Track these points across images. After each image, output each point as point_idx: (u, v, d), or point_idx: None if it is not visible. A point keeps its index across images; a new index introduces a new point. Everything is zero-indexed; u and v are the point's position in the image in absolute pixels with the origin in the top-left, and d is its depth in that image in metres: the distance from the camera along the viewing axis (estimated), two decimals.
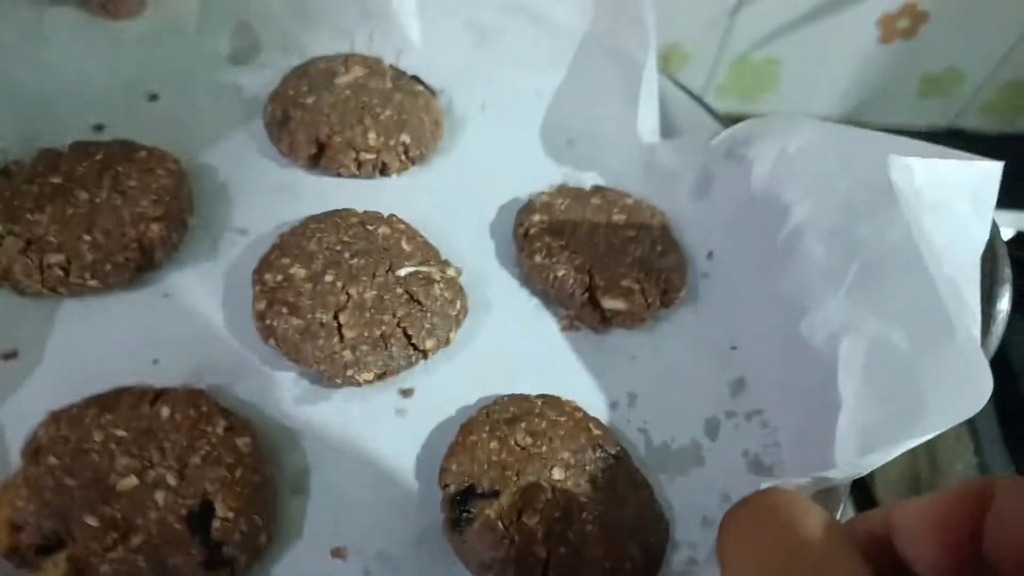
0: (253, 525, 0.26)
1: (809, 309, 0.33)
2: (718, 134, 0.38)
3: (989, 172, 0.30)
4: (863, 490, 0.50)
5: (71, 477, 0.25)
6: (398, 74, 0.40)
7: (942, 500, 0.20)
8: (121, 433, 0.26)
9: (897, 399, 0.28)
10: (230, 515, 0.25)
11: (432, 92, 0.40)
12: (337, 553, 0.27)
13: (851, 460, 0.27)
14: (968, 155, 0.30)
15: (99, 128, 0.36)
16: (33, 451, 0.26)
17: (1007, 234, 0.54)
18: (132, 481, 0.25)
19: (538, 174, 0.40)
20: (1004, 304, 0.33)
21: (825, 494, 0.28)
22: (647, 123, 0.39)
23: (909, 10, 0.63)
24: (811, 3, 0.61)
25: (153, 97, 0.38)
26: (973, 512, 0.19)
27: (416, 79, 0.40)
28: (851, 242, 0.32)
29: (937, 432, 0.26)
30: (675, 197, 0.39)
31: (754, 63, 0.66)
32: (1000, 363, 0.55)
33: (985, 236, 0.30)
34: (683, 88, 0.42)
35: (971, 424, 0.52)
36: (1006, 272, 0.33)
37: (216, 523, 0.25)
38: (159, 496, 0.25)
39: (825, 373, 0.31)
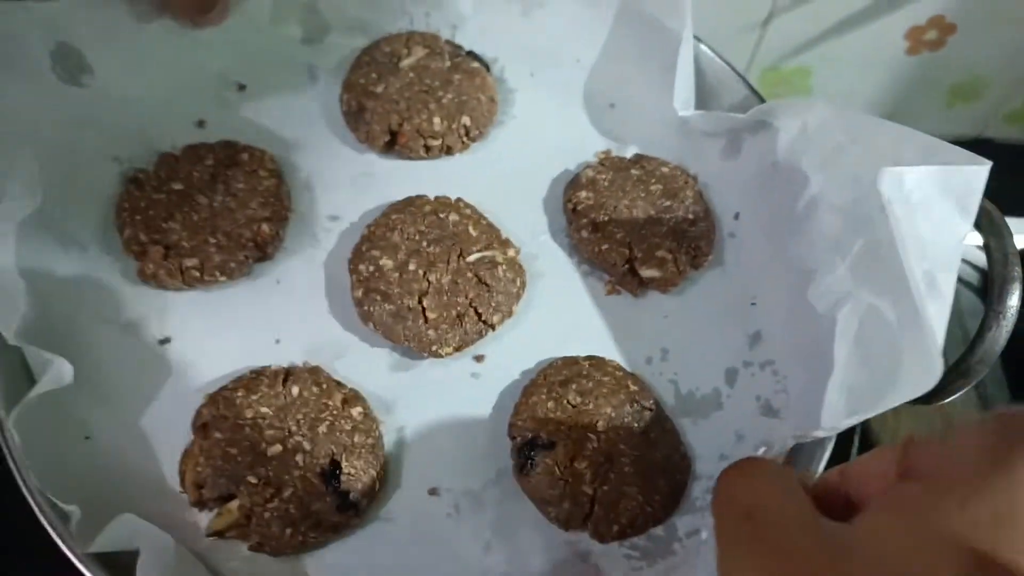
0: (369, 476, 0.34)
1: (817, 275, 0.39)
2: (749, 105, 0.42)
3: (975, 174, 0.34)
4: None
5: (233, 447, 0.33)
6: (455, 50, 0.44)
7: (878, 453, 0.26)
8: (265, 410, 0.34)
9: (878, 367, 0.34)
10: (352, 471, 0.34)
11: (486, 66, 0.44)
12: (433, 492, 0.35)
13: (837, 419, 0.34)
14: (963, 153, 0.34)
15: (201, 124, 0.42)
16: (201, 426, 0.34)
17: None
18: (278, 448, 0.33)
19: (584, 141, 0.44)
20: (1014, 300, 0.36)
21: (813, 444, 0.35)
22: (682, 94, 0.43)
23: (936, 22, 0.63)
24: (841, 14, 0.62)
25: (241, 87, 0.43)
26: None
27: (471, 54, 0.44)
28: (858, 218, 0.37)
29: (898, 404, 0.32)
30: (707, 160, 0.44)
31: (785, 72, 0.67)
32: (1017, 355, 0.58)
33: (967, 230, 0.34)
34: (724, 61, 0.45)
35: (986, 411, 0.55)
36: (1016, 271, 0.36)
37: (343, 477, 0.33)
38: (299, 458, 0.33)
39: (825, 334, 0.37)
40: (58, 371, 0.32)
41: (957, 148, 0.35)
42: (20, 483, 0.30)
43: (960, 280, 0.59)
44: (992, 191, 0.74)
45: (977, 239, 0.65)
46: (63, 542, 0.30)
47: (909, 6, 0.62)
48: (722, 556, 0.25)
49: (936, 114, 0.73)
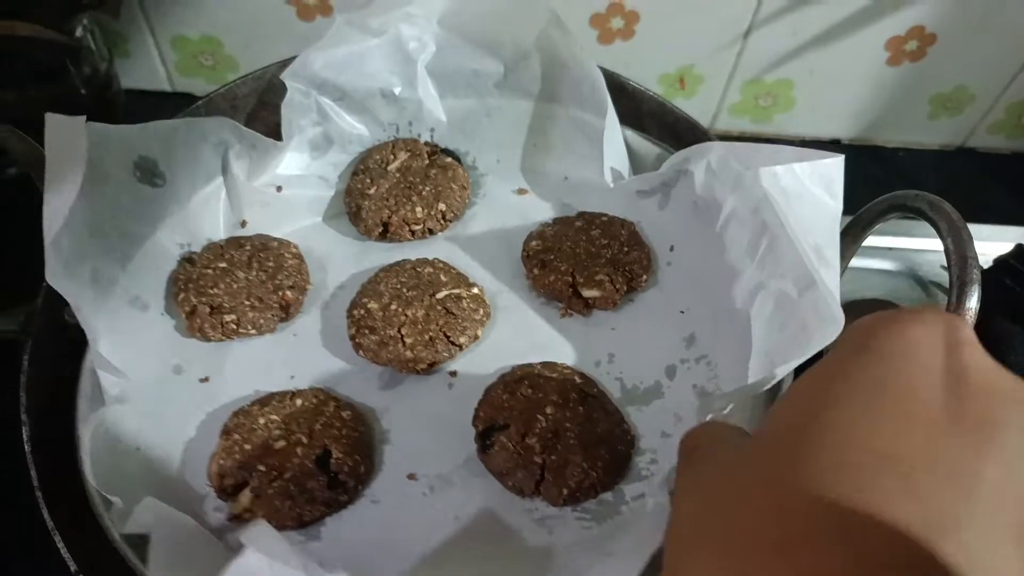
0: (356, 461, 0.41)
1: (738, 276, 0.45)
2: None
3: (834, 165, 0.41)
4: None
5: (248, 444, 0.42)
6: (433, 149, 0.56)
7: None
8: (274, 417, 0.43)
9: (788, 329, 0.40)
10: (341, 456, 0.41)
11: (458, 159, 0.56)
12: (411, 476, 0.42)
13: (761, 376, 0.39)
14: (822, 153, 0.42)
15: (244, 224, 0.54)
16: (225, 432, 0.43)
17: (1007, 248, 0.58)
18: (282, 443, 0.42)
19: (542, 209, 0.54)
20: (973, 302, 0.39)
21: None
22: (613, 168, 0.53)
23: (916, 32, 0.66)
24: (821, 26, 0.65)
25: (279, 188, 0.55)
26: None
27: (446, 151, 0.56)
28: (759, 224, 0.44)
29: (811, 354, 0.37)
30: (644, 210, 0.52)
31: (767, 84, 0.71)
32: None
33: (838, 210, 0.41)
34: (647, 138, 0.55)
35: None
36: (975, 274, 0.39)
37: (332, 462, 0.41)
38: (298, 450, 0.41)
39: (745, 323, 0.43)
40: (123, 391, 0.42)
41: (818, 151, 0.43)
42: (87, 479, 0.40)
43: (939, 287, 0.63)
44: (977, 200, 0.77)
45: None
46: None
47: (889, 17, 0.64)
48: (676, 489, 0.28)
49: (919, 125, 0.75)
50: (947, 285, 0.61)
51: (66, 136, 0.43)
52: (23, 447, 0.40)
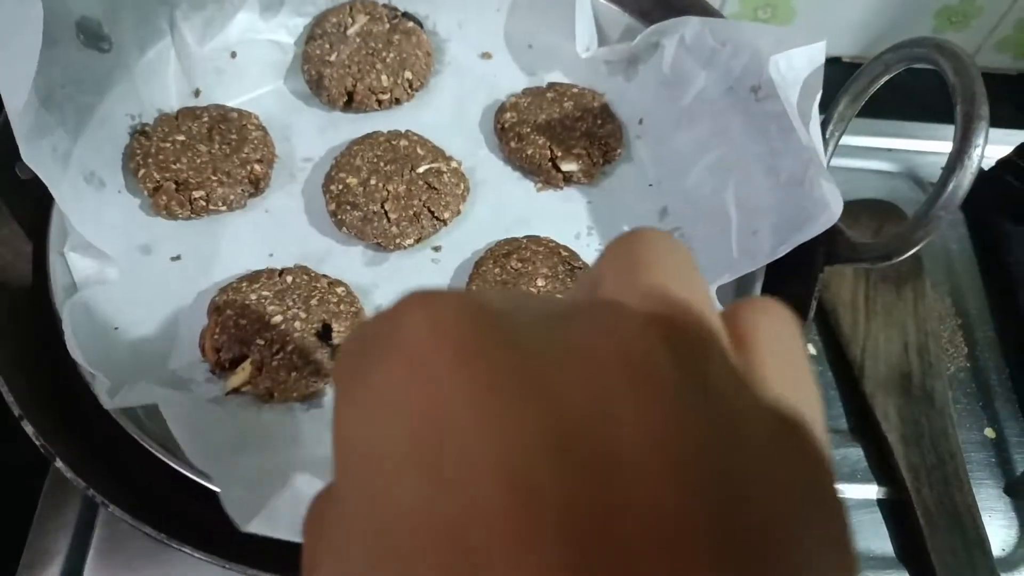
0: None
1: (709, 149, 0.47)
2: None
3: (816, 50, 0.43)
4: (853, 386, 0.51)
5: (243, 319, 0.41)
6: (392, 13, 0.53)
7: None
8: (266, 293, 0.42)
9: (787, 208, 0.42)
10: (341, 330, 0.42)
11: (420, 24, 0.53)
12: None
13: (762, 256, 0.42)
14: (803, 36, 0.43)
15: (197, 93, 0.50)
16: (215, 308, 0.42)
17: (1006, 149, 0.58)
18: (279, 318, 0.41)
19: (509, 76, 0.53)
20: (980, 139, 0.37)
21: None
22: (583, 39, 0.52)
23: None
24: None
25: (233, 55, 0.51)
26: None
27: (406, 15, 0.53)
28: (735, 100, 0.46)
29: (813, 235, 0.40)
30: (613, 83, 0.53)
31: None
32: (1000, 274, 0.58)
33: (819, 89, 0.43)
34: (618, 6, 0.54)
35: (967, 330, 0.55)
36: (983, 110, 0.37)
37: (334, 335, 0.41)
38: (297, 324, 0.41)
39: (720, 196, 0.46)
40: (103, 273, 0.40)
41: (797, 34, 0.44)
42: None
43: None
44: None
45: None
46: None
47: None
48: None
49: None
50: None
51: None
52: None
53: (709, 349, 0.14)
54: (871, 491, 0.48)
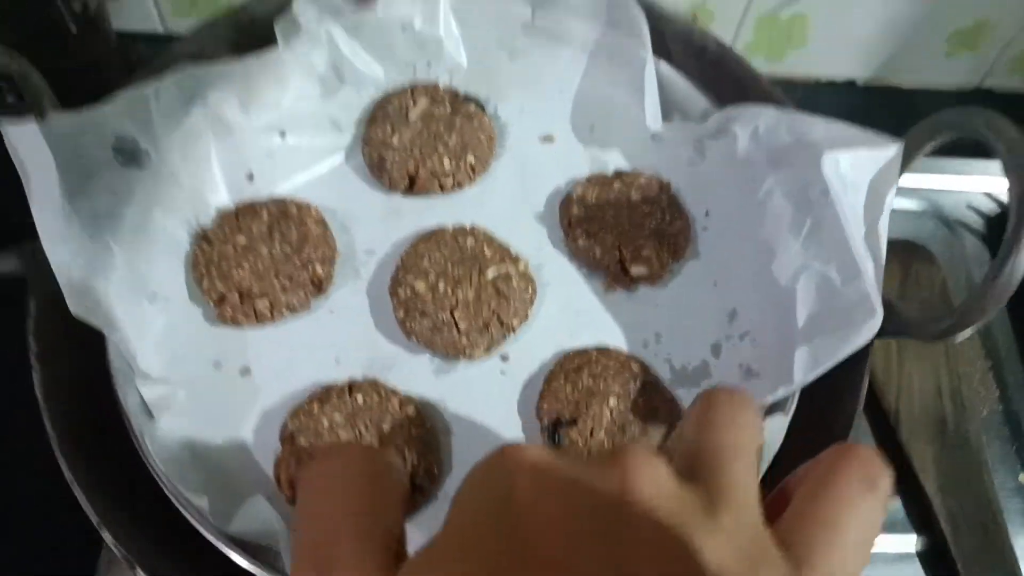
0: (430, 463, 0.42)
1: (777, 252, 0.46)
2: (709, 114, 0.50)
3: (893, 155, 0.41)
4: (889, 435, 0.52)
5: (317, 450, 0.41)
6: (454, 96, 0.52)
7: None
8: (338, 417, 0.42)
9: (832, 323, 0.42)
10: (416, 461, 0.41)
11: (482, 107, 0.52)
12: None
13: (804, 373, 0.41)
14: (880, 138, 0.42)
15: (251, 177, 0.49)
16: (288, 436, 0.42)
17: None
18: None
19: (571, 160, 0.52)
20: None
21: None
22: (652, 111, 0.51)
23: None
24: None
25: (283, 134, 0.50)
26: None
27: (468, 98, 0.52)
28: (805, 202, 0.45)
29: (852, 351, 0.40)
30: (677, 166, 0.51)
31: (781, 20, 0.68)
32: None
33: (891, 201, 0.42)
34: (682, 73, 0.52)
35: (997, 371, 0.56)
36: None
37: (409, 466, 0.41)
38: None
39: (788, 303, 0.45)
40: (175, 397, 0.40)
41: (875, 134, 0.42)
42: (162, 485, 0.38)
43: (966, 227, 0.63)
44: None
45: (984, 186, 0.68)
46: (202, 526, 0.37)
47: None
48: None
49: (936, 64, 0.73)
50: (972, 224, 0.62)
51: (30, 143, 0.38)
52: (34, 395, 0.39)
53: None
54: (910, 542, 0.50)
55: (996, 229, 0.62)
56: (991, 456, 0.52)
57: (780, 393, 0.42)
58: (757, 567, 0.19)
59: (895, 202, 0.60)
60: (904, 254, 0.59)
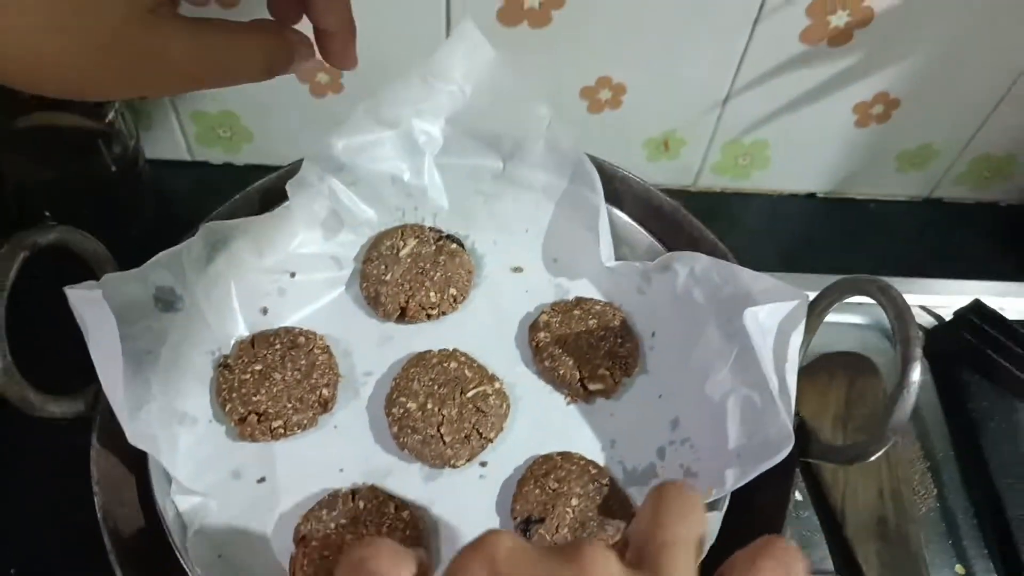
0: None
1: (710, 374, 0.55)
2: (656, 252, 0.60)
3: (799, 306, 0.51)
4: (835, 531, 0.58)
5: (326, 550, 0.49)
6: (438, 236, 0.61)
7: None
8: (343, 521, 0.50)
9: (755, 439, 0.50)
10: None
11: (461, 245, 0.61)
12: None
13: (735, 480, 0.50)
14: (793, 291, 0.51)
15: (265, 311, 0.58)
16: (301, 539, 0.49)
17: (963, 301, 0.67)
18: None
19: (539, 288, 0.61)
20: (916, 376, 0.44)
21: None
22: (606, 249, 0.60)
23: (881, 97, 0.72)
24: (793, 92, 0.71)
25: (292, 274, 0.59)
26: None
27: (450, 237, 0.61)
28: (732, 333, 0.53)
29: (771, 466, 0.48)
30: (628, 294, 0.61)
31: (745, 145, 0.77)
32: (963, 419, 0.65)
33: (799, 341, 0.51)
34: (629, 218, 0.62)
35: (935, 472, 0.63)
36: (917, 351, 0.44)
37: None
38: None
39: (720, 416, 0.53)
40: (206, 507, 0.47)
41: (789, 288, 0.51)
42: None
43: None
44: (944, 247, 0.83)
45: (921, 300, 0.76)
46: None
47: (855, 84, 0.70)
48: None
49: (888, 178, 0.81)
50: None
51: (90, 305, 0.46)
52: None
53: None
54: None
55: (932, 341, 0.69)
56: (929, 551, 0.58)
57: (714, 495, 0.51)
58: None
59: (844, 316, 0.70)
60: (852, 365, 0.67)
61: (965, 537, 0.61)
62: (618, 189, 0.62)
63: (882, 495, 0.60)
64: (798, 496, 0.62)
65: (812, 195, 0.84)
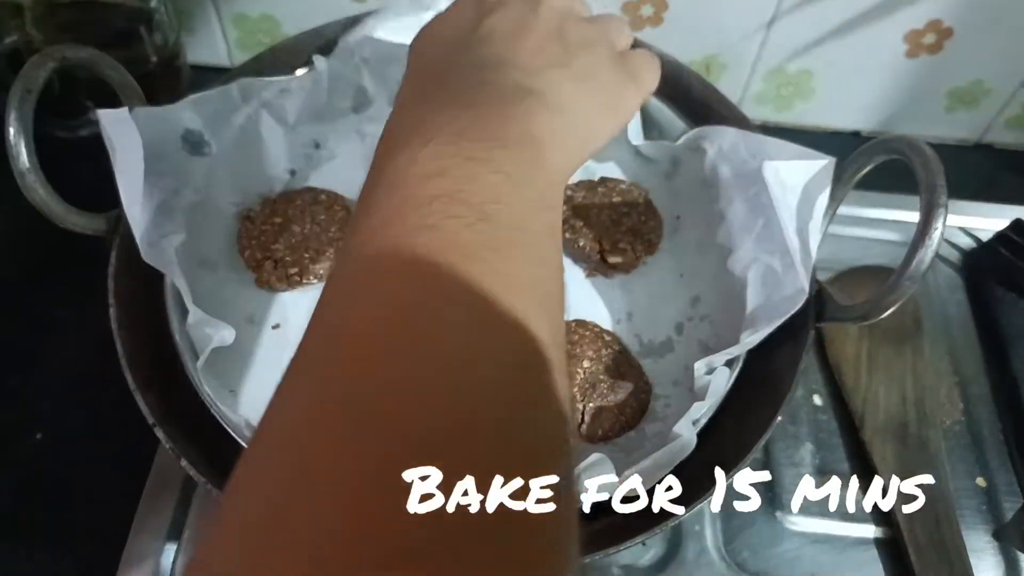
0: None
1: (735, 249, 0.54)
2: (684, 133, 0.59)
3: (825, 165, 0.49)
4: (852, 434, 0.57)
5: None
6: None
7: None
8: None
9: (772, 299, 0.49)
10: None
11: None
12: None
13: (749, 335, 0.48)
14: (818, 154, 0.50)
15: (292, 173, 0.58)
16: None
17: (1004, 223, 0.65)
18: None
19: None
20: (939, 223, 0.42)
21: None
22: (635, 129, 0.59)
23: (934, 25, 0.67)
24: (841, 17, 0.67)
25: (317, 145, 0.59)
26: None
27: None
28: (758, 206, 0.52)
29: (786, 318, 0.47)
30: (655, 178, 0.60)
31: (788, 74, 0.73)
32: (995, 336, 0.63)
33: (823, 205, 0.49)
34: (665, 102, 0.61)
35: (962, 387, 0.61)
36: (943, 199, 0.43)
37: None
38: None
39: (741, 289, 0.52)
40: (223, 335, 0.48)
41: (817, 153, 0.50)
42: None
43: (941, 258, 0.68)
44: (993, 196, 0.79)
45: (959, 221, 0.75)
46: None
47: (906, 9, 0.65)
48: None
49: (937, 118, 0.76)
50: (947, 256, 0.69)
51: (120, 126, 0.47)
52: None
53: None
54: (868, 530, 0.54)
55: (968, 260, 0.68)
56: (952, 461, 0.57)
57: (732, 351, 0.49)
58: None
59: (876, 232, 0.68)
60: (881, 278, 0.64)
61: (989, 451, 0.58)
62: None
63: (905, 401, 0.59)
64: (818, 401, 0.60)
65: (857, 133, 0.80)
